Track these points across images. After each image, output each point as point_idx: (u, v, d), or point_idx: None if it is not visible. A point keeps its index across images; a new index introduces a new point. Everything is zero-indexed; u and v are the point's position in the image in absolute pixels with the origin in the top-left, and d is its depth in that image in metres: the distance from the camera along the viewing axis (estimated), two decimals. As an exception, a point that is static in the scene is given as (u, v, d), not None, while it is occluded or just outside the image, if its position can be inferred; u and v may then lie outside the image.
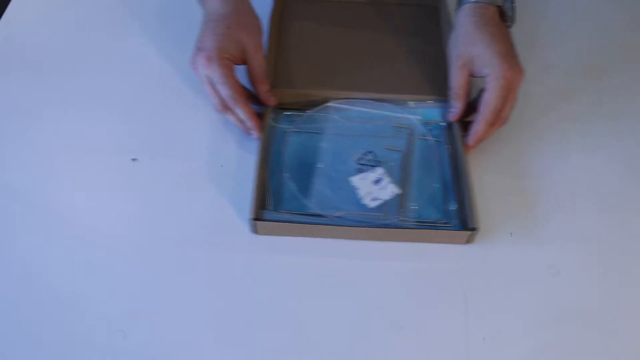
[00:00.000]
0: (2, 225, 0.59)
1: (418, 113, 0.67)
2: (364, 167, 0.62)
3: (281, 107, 0.67)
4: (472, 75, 0.63)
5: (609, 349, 0.53)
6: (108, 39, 0.76)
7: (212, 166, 0.64)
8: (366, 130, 0.66)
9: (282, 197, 0.60)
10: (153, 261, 0.57)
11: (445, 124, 0.67)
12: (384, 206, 0.59)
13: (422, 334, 0.53)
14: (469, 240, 0.59)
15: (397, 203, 0.60)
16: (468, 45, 0.63)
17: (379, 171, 0.62)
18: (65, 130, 0.67)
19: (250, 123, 0.63)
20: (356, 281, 0.56)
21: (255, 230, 0.58)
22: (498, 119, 0.62)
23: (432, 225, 0.59)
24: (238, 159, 0.64)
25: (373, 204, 0.59)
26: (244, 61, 0.63)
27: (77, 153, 0.64)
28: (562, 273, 0.57)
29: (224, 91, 0.61)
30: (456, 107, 0.64)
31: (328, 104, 0.67)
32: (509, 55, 0.61)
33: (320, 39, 0.75)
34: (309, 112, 0.67)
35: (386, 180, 0.61)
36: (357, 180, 0.61)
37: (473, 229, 0.57)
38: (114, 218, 0.60)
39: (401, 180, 0.62)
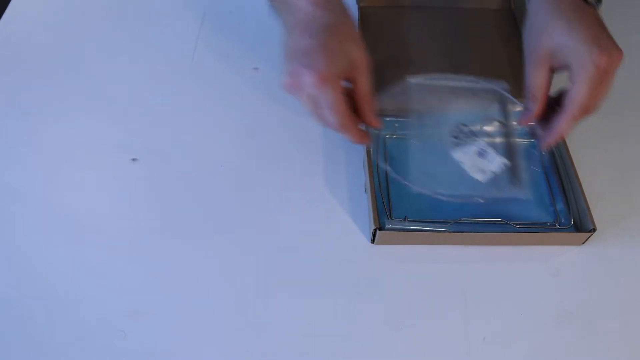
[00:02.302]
0: (2, 225, 0.59)
1: (513, 115, 0.66)
2: (460, 141, 0.59)
3: (379, 114, 0.67)
4: (553, 71, 0.56)
5: (609, 349, 0.53)
6: (108, 38, 0.76)
7: (212, 166, 0.64)
8: (454, 103, 0.62)
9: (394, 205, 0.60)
10: (153, 261, 0.57)
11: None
12: (495, 180, 0.56)
13: (422, 334, 0.54)
14: (585, 242, 0.59)
15: (508, 176, 0.57)
16: (544, 36, 0.55)
17: (480, 143, 0.58)
18: (65, 130, 0.67)
19: (360, 142, 0.57)
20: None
21: (373, 241, 0.58)
22: (587, 112, 0.55)
23: (549, 228, 0.59)
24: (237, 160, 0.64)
25: (483, 177, 0.56)
26: (350, 79, 0.54)
27: (77, 153, 0.64)
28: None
29: (334, 118, 0.53)
30: (531, 110, 0.57)
31: (408, 81, 0.62)
32: (600, 37, 0.53)
33: (397, 46, 0.74)
34: (409, 120, 0.65)
35: (490, 151, 0.57)
36: (459, 155, 0.57)
37: (592, 230, 0.57)
38: (113, 218, 0.60)
39: (506, 151, 0.58)
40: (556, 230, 0.59)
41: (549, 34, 0.55)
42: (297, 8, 0.54)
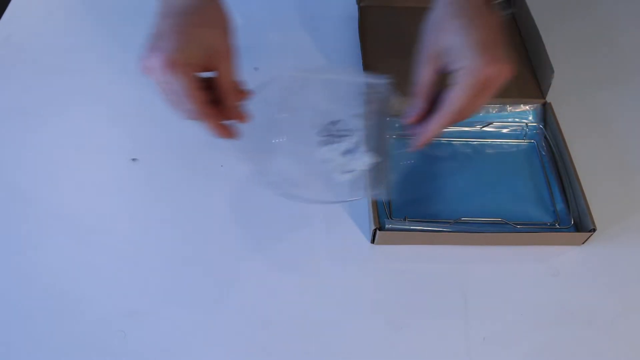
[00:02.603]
0: (2, 225, 0.59)
1: (512, 115, 0.68)
2: (330, 138, 0.57)
3: None
4: (441, 71, 0.52)
5: (609, 349, 0.53)
6: (108, 38, 0.76)
7: (212, 166, 0.64)
8: (330, 98, 0.60)
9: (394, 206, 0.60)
10: (153, 261, 0.57)
11: (541, 125, 0.67)
12: (358, 180, 0.55)
13: (422, 334, 0.54)
14: (585, 242, 0.59)
15: (374, 174, 0.55)
16: (439, 33, 0.51)
17: (350, 141, 0.56)
18: (65, 130, 0.67)
19: (221, 136, 0.53)
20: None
21: (373, 241, 0.58)
22: (461, 117, 0.52)
23: (549, 228, 0.59)
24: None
25: (344, 178, 0.55)
26: (210, 68, 0.51)
27: (77, 153, 0.64)
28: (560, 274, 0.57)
29: (188, 106, 0.50)
30: (416, 107, 0.53)
31: (281, 76, 0.60)
32: (492, 45, 0.49)
33: (397, 46, 0.73)
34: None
35: (359, 150, 0.55)
36: (325, 152, 0.55)
37: (592, 230, 0.57)
38: (113, 218, 0.60)
39: (377, 148, 0.56)
40: (556, 230, 0.59)
41: (442, 33, 0.51)
42: None
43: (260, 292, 0.56)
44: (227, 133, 0.53)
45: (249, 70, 0.74)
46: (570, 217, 0.60)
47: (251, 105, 0.55)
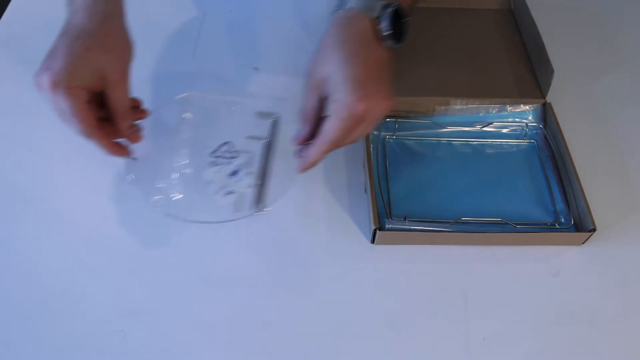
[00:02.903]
0: (2, 225, 0.59)
1: (512, 115, 0.68)
2: (219, 159, 0.58)
3: None
4: (324, 99, 0.53)
5: (609, 349, 0.53)
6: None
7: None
8: (224, 120, 0.62)
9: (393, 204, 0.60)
10: (153, 261, 0.57)
11: (541, 125, 0.67)
12: (238, 200, 0.56)
13: (422, 334, 0.54)
14: (585, 242, 0.59)
15: (255, 196, 0.57)
16: (321, 63, 0.52)
17: (236, 163, 0.57)
18: (65, 130, 0.66)
19: (114, 155, 0.56)
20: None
21: (373, 241, 0.58)
22: (338, 146, 0.53)
23: (549, 228, 0.59)
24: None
25: (225, 200, 0.56)
26: (101, 90, 0.53)
27: (77, 152, 0.64)
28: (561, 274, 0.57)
29: (74, 126, 0.52)
30: (302, 132, 0.55)
31: (186, 96, 0.62)
32: (369, 81, 0.50)
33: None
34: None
35: (242, 172, 0.57)
36: (210, 174, 0.57)
37: (592, 230, 0.57)
38: (113, 217, 0.60)
39: (262, 171, 0.58)
40: (556, 230, 0.59)
41: (324, 63, 0.52)
42: (72, 7, 0.53)
43: (260, 292, 0.56)
44: (119, 151, 0.55)
45: (249, 70, 0.74)
46: (570, 217, 0.60)
47: (148, 125, 0.58)
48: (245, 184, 0.57)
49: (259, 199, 0.56)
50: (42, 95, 0.51)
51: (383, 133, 0.66)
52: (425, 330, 0.54)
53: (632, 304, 0.56)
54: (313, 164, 0.54)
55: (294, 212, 0.61)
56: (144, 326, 0.53)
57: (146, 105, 0.59)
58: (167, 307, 0.54)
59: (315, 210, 0.61)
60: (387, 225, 0.57)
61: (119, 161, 0.63)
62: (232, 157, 0.58)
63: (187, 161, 0.59)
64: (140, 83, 0.70)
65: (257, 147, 0.59)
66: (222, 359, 0.52)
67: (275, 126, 0.60)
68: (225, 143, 0.59)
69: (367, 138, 0.62)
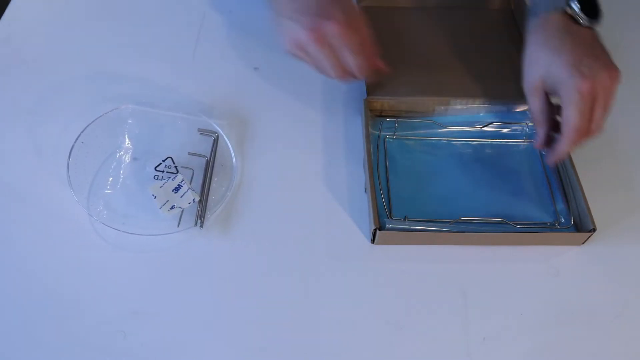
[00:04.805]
0: (2, 225, 0.59)
1: (512, 115, 0.68)
2: (162, 174, 0.60)
3: (378, 115, 0.67)
4: (549, 95, 0.58)
5: (609, 349, 0.53)
6: (108, 38, 0.76)
7: (214, 165, 0.64)
8: (171, 135, 0.64)
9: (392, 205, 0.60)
10: (153, 261, 0.57)
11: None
12: (181, 215, 0.58)
13: (422, 334, 0.54)
14: (585, 242, 0.59)
15: (196, 211, 0.59)
16: (533, 66, 0.58)
17: (179, 178, 0.59)
18: (65, 130, 0.66)
19: (378, 75, 0.62)
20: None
21: (373, 241, 0.58)
22: (587, 133, 0.56)
23: (549, 228, 0.59)
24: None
25: (169, 214, 0.58)
26: (354, 27, 0.58)
27: (77, 152, 0.64)
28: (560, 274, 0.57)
29: (357, 61, 0.57)
30: (538, 135, 0.60)
31: (127, 108, 0.65)
32: (585, 60, 0.54)
33: (397, 46, 0.73)
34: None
35: (185, 187, 0.58)
36: (155, 189, 0.59)
37: (592, 230, 0.57)
38: (113, 218, 0.60)
39: (202, 187, 0.60)
40: (556, 230, 0.59)
41: (536, 63, 0.57)
42: None
43: (260, 292, 0.56)
44: (384, 69, 0.62)
45: (249, 70, 0.74)
46: (570, 217, 0.60)
47: (93, 135, 0.62)
48: (186, 199, 0.58)
49: (200, 214, 0.58)
50: (317, 45, 0.56)
51: (383, 133, 0.66)
52: (425, 330, 0.54)
53: (632, 304, 0.56)
54: (565, 156, 0.59)
55: (294, 212, 0.61)
56: (144, 326, 0.53)
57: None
58: (167, 307, 0.54)
59: (315, 210, 0.61)
60: (387, 225, 0.57)
61: (119, 161, 0.63)
62: (174, 173, 0.60)
63: (132, 174, 0.61)
64: (140, 83, 0.71)
65: (199, 164, 0.61)
66: (222, 358, 0.52)
67: (212, 144, 0.63)
68: (169, 158, 0.61)
69: (367, 138, 0.62)
